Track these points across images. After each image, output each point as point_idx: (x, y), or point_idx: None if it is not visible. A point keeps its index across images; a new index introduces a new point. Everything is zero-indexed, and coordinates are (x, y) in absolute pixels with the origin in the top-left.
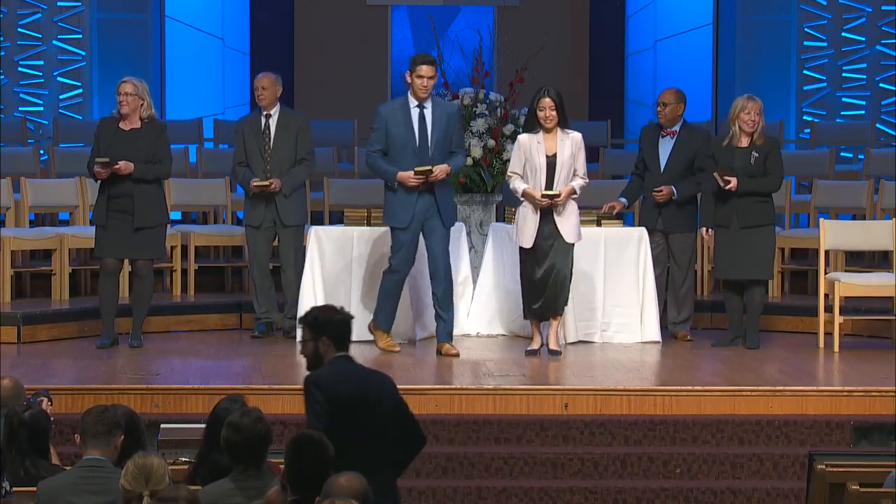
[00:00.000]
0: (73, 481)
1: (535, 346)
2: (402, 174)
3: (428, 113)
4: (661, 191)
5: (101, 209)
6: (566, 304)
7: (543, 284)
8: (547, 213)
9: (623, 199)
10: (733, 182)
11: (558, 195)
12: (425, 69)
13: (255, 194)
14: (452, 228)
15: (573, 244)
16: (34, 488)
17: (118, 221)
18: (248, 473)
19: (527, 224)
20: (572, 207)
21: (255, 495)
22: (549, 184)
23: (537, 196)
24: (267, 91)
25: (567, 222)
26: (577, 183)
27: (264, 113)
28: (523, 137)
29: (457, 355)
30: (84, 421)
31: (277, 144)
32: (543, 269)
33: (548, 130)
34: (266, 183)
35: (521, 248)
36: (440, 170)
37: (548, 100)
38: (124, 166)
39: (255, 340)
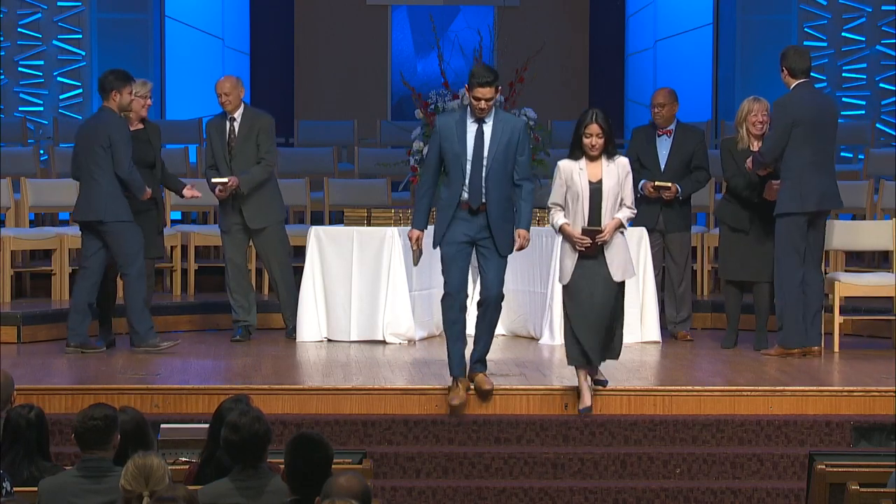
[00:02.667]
0: (73, 481)
1: (586, 402)
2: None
3: (488, 129)
4: (668, 188)
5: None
6: (617, 353)
7: (588, 327)
8: (595, 252)
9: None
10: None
11: (601, 231)
12: (482, 91)
13: (223, 199)
14: None
15: (622, 283)
16: (35, 488)
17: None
18: (248, 473)
19: (566, 258)
20: (620, 241)
21: (254, 495)
22: (595, 213)
23: (577, 234)
24: (230, 96)
25: (615, 257)
26: (625, 214)
27: (229, 116)
28: (564, 163)
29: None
30: (79, 422)
31: (241, 146)
32: (586, 310)
33: (592, 158)
34: (224, 180)
35: (564, 287)
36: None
37: (595, 126)
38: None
39: (254, 340)
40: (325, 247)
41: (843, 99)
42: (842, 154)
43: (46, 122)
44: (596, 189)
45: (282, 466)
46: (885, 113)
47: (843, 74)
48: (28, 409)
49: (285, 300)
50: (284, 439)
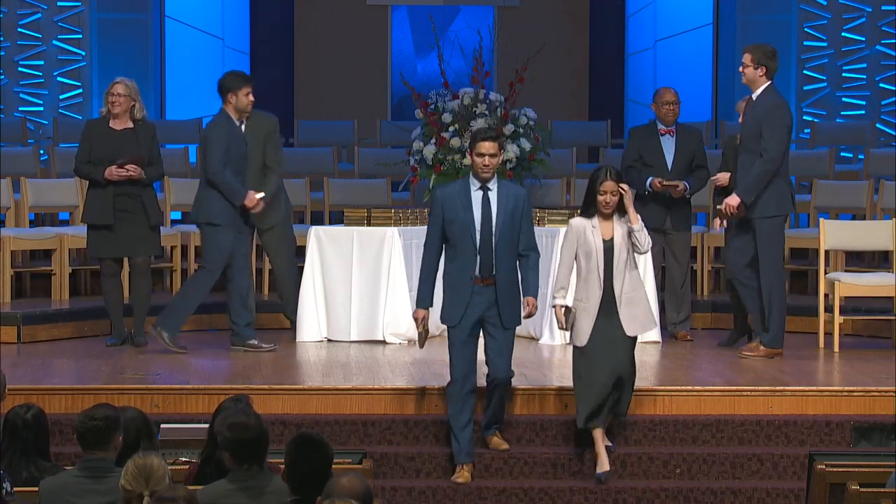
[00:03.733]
0: (74, 481)
1: (605, 466)
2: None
3: (493, 196)
4: (676, 186)
5: (109, 209)
6: (625, 409)
7: (602, 385)
8: (609, 303)
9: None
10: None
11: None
12: (486, 146)
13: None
14: None
15: (635, 338)
16: (35, 488)
17: (119, 221)
18: (248, 473)
19: (583, 318)
20: (641, 295)
21: (254, 495)
22: (608, 271)
23: (563, 320)
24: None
25: (634, 313)
26: (639, 238)
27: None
28: (576, 221)
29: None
30: (80, 422)
31: (252, 151)
32: (602, 372)
33: (606, 216)
34: (261, 194)
35: (575, 348)
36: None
37: (610, 183)
38: (137, 173)
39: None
40: (325, 247)
41: (843, 99)
42: (842, 154)
43: (46, 122)
44: (609, 247)
45: (282, 466)
46: (885, 113)
47: (843, 74)
48: (26, 409)
49: (290, 299)
50: (284, 439)
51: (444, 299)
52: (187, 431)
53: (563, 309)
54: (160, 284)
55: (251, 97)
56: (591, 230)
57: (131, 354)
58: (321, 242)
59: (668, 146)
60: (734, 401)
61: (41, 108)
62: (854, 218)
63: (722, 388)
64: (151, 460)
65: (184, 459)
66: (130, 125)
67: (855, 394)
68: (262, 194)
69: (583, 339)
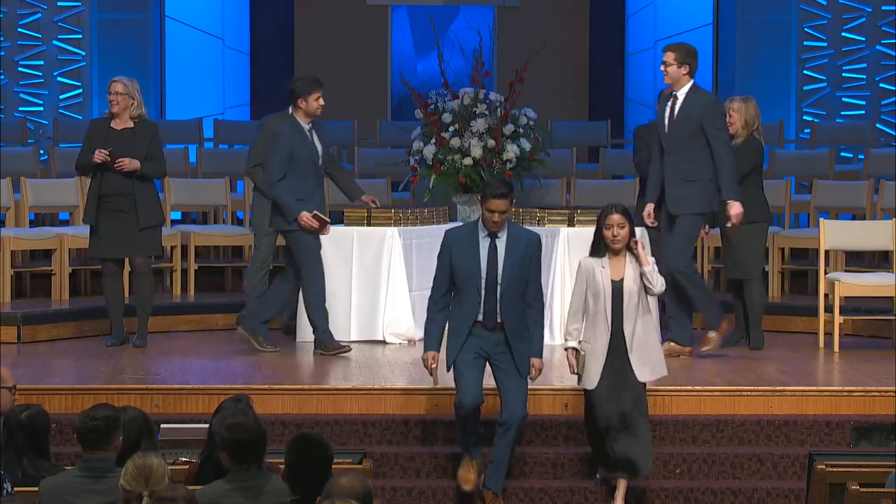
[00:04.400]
0: (74, 481)
1: None
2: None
3: (501, 244)
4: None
5: (92, 210)
6: (647, 466)
7: (612, 432)
8: (618, 346)
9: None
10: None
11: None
12: (496, 203)
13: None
14: None
15: (645, 384)
16: (35, 488)
17: (115, 221)
18: (247, 473)
19: (592, 361)
20: (654, 340)
21: (253, 495)
22: (617, 313)
23: (572, 364)
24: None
25: (646, 357)
26: (652, 280)
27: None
28: (585, 261)
29: None
30: (80, 422)
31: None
32: (606, 414)
33: (615, 252)
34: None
35: (585, 392)
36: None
37: (617, 216)
38: (129, 163)
39: None
40: (325, 247)
41: (843, 99)
42: (842, 154)
43: (46, 122)
44: (618, 287)
45: (282, 466)
46: (885, 113)
47: (843, 74)
48: (23, 408)
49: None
50: (284, 439)
51: (447, 345)
52: (187, 431)
53: (573, 352)
54: (160, 284)
55: (321, 101)
56: (599, 270)
57: (131, 354)
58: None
59: None
60: (734, 401)
61: (41, 108)
62: (854, 218)
63: (722, 388)
64: (151, 460)
65: (184, 459)
66: (130, 125)
67: (855, 394)
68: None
69: (590, 382)
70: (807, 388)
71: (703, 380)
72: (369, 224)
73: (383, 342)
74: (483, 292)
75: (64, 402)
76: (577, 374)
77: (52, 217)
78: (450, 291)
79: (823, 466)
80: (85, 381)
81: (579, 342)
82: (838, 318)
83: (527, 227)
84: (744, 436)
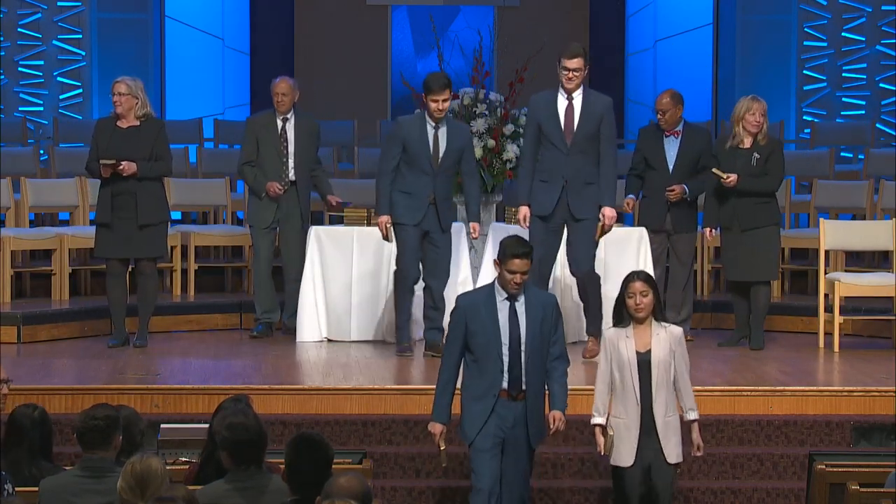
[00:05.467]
0: (74, 481)
1: None
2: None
3: (521, 307)
4: (673, 190)
5: (106, 208)
6: None
7: None
8: (649, 423)
9: (633, 197)
10: (733, 177)
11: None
12: (517, 263)
13: (265, 196)
14: (452, 229)
15: (677, 464)
16: (35, 488)
17: (120, 220)
18: (247, 474)
19: (625, 440)
20: (675, 423)
21: (253, 495)
22: (645, 388)
23: (599, 443)
24: (287, 97)
25: (670, 439)
26: (692, 417)
27: (281, 116)
28: (609, 332)
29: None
30: (81, 422)
31: (299, 148)
32: (642, 493)
33: (639, 321)
34: (335, 203)
35: (614, 468)
36: None
37: (639, 283)
38: (127, 167)
39: (254, 340)
40: (325, 247)
41: (843, 99)
42: (842, 154)
43: (46, 122)
44: (644, 359)
45: (282, 466)
46: (885, 113)
47: (843, 74)
48: (32, 408)
49: (294, 299)
50: (284, 439)
51: (463, 413)
52: (187, 431)
53: (601, 429)
54: (160, 285)
55: (439, 105)
56: (623, 340)
57: (131, 354)
58: (321, 242)
59: (671, 148)
60: (734, 401)
61: (41, 108)
62: (854, 218)
63: (722, 388)
64: (150, 466)
65: (184, 459)
66: (136, 123)
67: (855, 394)
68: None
69: (622, 460)
70: (807, 388)
71: (702, 380)
72: (369, 224)
73: (383, 342)
74: (506, 359)
75: (64, 402)
76: (606, 454)
77: (52, 217)
78: (461, 359)
79: (823, 466)
80: (85, 381)
81: (608, 418)
82: (838, 318)
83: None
84: (744, 436)
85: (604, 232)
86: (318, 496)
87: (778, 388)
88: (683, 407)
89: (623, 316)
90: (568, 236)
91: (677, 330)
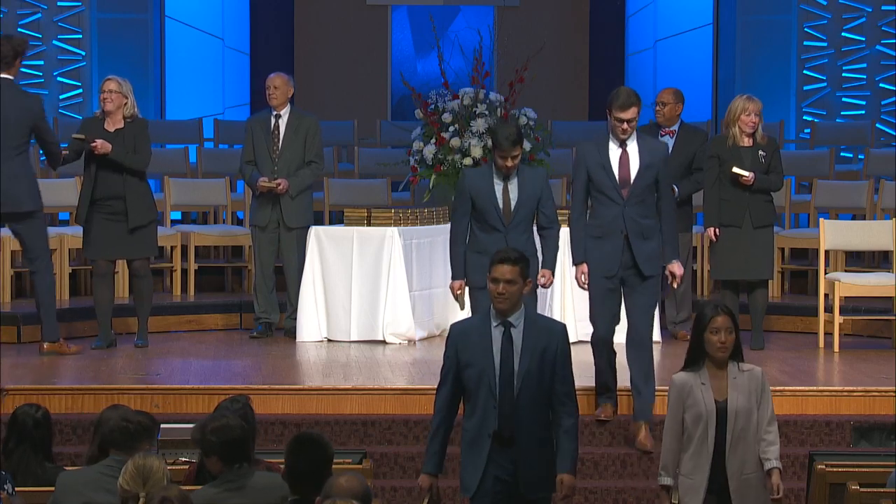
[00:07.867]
0: (93, 477)
1: None
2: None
3: (517, 334)
4: None
5: (84, 210)
6: None
7: None
8: (719, 481)
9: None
10: (751, 175)
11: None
12: (502, 269)
13: (261, 194)
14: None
15: None
16: (39, 488)
17: (109, 223)
18: (238, 472)
19: (689, 497)
20: (755, 482)
21: (247, 493)
22: (721, 440)
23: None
24: (278, 91)
25: (748, 499)
26: (772, 465)
27: (274, 113)
28: (680, 378)
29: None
30: (113, 419)
31: (286, 145)
32: None
33: (720, 363)
34: (273, 184)
35: None
36: None
37: (724, 318)
38: (101, 145)
39: (255, 340)
40: (325, 247)
41: (843, 99)
42: (842, 154)
43: None
44: (723, 408)
45: (282, 466)
46: (885, 113)
47: (843, 74)
48: (35, 408)
49: (294, 300)
50: (284, 439)
51: (461, 460)
52: (187, 431)
53: (666, 492)
54: (160, 285)
55: (507, 162)
56: (699, 388)
57: (131, 354)
58: (321, 242)
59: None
60: None
61: None
62: (854, 218)
63: None
64: (151, 462)
65: (184, 459)
66: (122, 125)
67: (855, 394)
68: (271, 185)
69: None
70: (807, 388)
71: None
72: (369, 224)
73: (383, 342)
74: (498, 395)
75: (64, 402)
76: None
77: (52, 217)
78: (455, 398)
79: (823, 466)
80: (85, 381)
81: (675, 478)
82: (838, 318)
83: None
84: None
85: (674, 291)
86: (318, 496)
87: (778, 388)
88: (764, 459)
89: (697, 357)
90: (626, 298)
91: (758, 371)
